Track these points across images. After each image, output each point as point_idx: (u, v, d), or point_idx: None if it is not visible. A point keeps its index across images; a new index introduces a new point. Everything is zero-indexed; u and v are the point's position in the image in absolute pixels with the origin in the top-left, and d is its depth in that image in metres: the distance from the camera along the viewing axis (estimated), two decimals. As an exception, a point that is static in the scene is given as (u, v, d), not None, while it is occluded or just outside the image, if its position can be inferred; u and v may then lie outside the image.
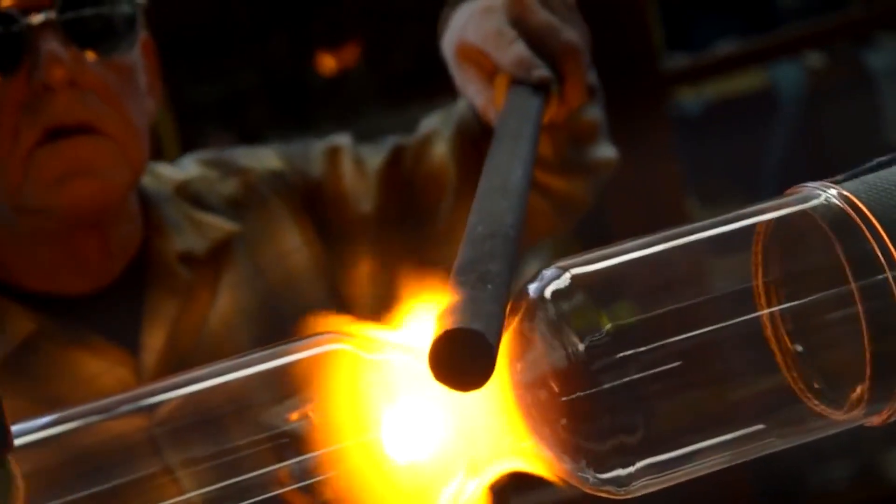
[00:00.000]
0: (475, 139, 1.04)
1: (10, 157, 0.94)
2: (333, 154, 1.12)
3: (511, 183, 0.66)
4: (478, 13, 0.96)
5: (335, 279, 1.09)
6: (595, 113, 1.04)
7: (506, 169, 0.69)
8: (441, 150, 1.08)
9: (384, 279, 1.07)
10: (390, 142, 1.13)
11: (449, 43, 0.98)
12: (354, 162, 1.11)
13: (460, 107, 1.08)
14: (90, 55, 0.95)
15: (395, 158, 1.11)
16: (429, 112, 1.14)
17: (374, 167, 1.11)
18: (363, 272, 1.09)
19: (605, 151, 1.08)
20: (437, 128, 1.10)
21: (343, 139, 1.13)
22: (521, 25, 0.93)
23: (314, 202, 1.11)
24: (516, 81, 0.90)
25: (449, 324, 0.47)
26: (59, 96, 0.93)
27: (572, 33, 0.94)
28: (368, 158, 1.11)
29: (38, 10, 0.93)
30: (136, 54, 1.00)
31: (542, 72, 0.90)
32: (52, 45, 0.92)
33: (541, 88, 0.89)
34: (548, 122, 0.93)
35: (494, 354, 0.47)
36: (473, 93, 0.96)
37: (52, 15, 0.93)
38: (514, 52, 0.91)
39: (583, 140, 1.05)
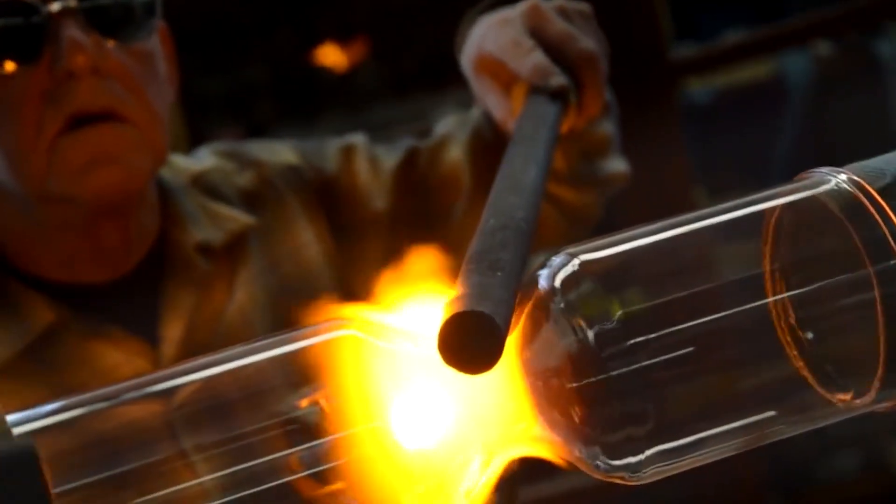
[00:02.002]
0: (490, 145, 1.05)
1: (33, 147, 0.94)
2: (349, 152, 1.12)
3: (524, 182, 0.66)
4: (495, 25, 0.96)
5: (346, 274, 1.09)
6: (608, 127, 1.05)
7: (520, 169, 0.69)
8: (456, 154, 1.09)
9: (394, 277, 1.08)
10: (405, 143, 1.13)
11: (467, 56, 0.99)
12: (369, 160, 1.12)
13: (476, 113, 1.09)
14: (111, 42, 0.95)
15: (410, 159, 1.12)
16: (436, 106, 1.14)
17: (388, 166, 1.11)
18: (373, 269, 1.10)
19: (617, 165, 1.08)
20: (452, 132, 1.11)
21: (359, 138, 1.14)
22: (539, 35, 0.94)
23: (328, 198, 1.11)
24: (534, 90, 0.90)
25: (458, 307, 0.47)
26: (81, 83, 0.93)
27: (589, 42, 0.95)
28: (383, 158, 1.12)
29: None
30: (155, 41, 0.99)
31: (559, 79, 0.90)
32: (74, 32, 0.92)
33: (558, 96, 0.90)
34: (566, 131, 0.93)
35: (503, 337, 0.47)
36: (492, 104, 0.97)
37: (72, 3, 0.93)
38: (531, 60, 0.91)
39: (595, 154, 1.06)
